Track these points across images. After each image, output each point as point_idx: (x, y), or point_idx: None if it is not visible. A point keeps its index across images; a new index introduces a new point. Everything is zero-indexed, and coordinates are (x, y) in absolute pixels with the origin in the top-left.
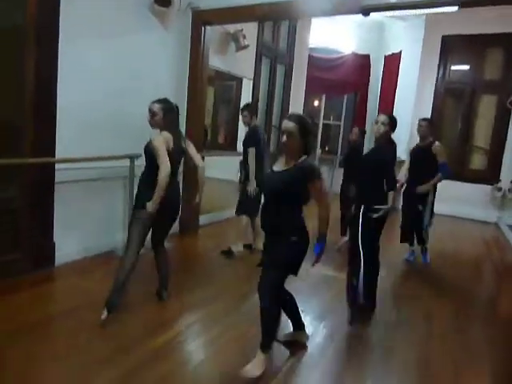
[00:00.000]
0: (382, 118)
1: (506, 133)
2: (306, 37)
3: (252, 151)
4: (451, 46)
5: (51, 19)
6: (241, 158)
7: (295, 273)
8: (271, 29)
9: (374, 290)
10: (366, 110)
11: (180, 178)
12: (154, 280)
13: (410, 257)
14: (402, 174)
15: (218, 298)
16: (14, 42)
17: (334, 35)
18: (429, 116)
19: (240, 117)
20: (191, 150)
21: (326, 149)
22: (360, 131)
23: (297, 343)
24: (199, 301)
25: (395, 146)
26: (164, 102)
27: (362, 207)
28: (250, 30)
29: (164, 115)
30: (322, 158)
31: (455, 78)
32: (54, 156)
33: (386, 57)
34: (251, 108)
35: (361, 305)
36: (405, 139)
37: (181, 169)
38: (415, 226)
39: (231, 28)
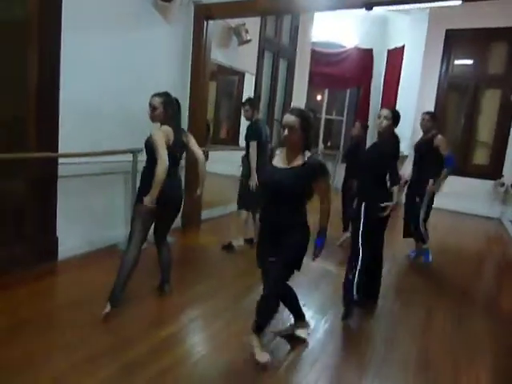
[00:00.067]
0: (385, 112)
1: (510, 128)
2: (308, 31)
3: (253, 145)
4: (455, 40)
5: (53, 14)
6: (243, 153)
7: (299, 268)
8: (274, 23)
9: (376, 285)
10: (368, 105)
11: (182, 172)
12: (156, 274)
13: (412, 253)
14: (405, 170)
15: (220, 293)
16: (16, 36)
17: (336, 29)
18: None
19: (242, 111)
20: (192, 143)
21: (329, 144)
22: (362, 126)
23: (298, 339)
24: (201, 295)
25: (398, 141)
26: (164, 95)
27: (364, 205)
28: (252, 24)
29: (164, 109)
30: (325, 153)
31: (459, 73)
32: (56, 150)
33: (389, 51)
34: (252, 102)
35: (354, 301)
36: (408, 134)
37: (183, 163)
38: (412, 218)
39: (233, 22)
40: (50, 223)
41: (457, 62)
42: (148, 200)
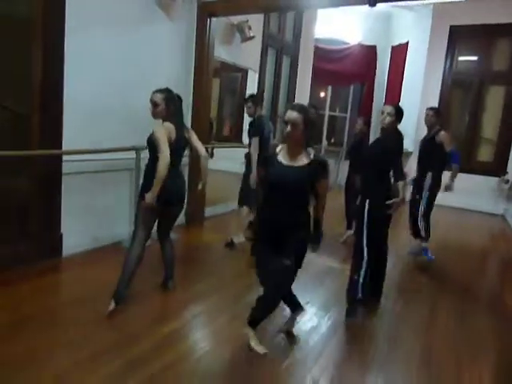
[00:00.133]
0: (388, 108)
1: None
2: (311, 28)
3: (255, 141)
4: (459, 37)
5: (58, 11)
6: (246, 150)
7: (300, 266)
8: (277, 20)
9: (379, 282)
10: (372, 102)
11: (186, 170)
12: (160, 271)
13: (412, 252)
14: (410, 168)
15: (223, 289)
16: (20, 33)
17: (340, 26)
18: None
19: (244, 108)
20: (194, 138)
21: (332, 141)
22: (364, 122)
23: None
24: (204, 291)
25: (402, 137)
26: (166, 91)
27: (367, 203)
28: (255, 21)
29: (166, 105)
30: (328, 149)
31: (463, 69)
32: (60, 147)
33: (392, 47)
34: (255, 99)
35: (359, 300)
36: (412, 131)
37: (186, 160)
38: (412, 214)
39: (236, 19)
40: (55, 220)
41: (461, 58)
42: (149, 197)
